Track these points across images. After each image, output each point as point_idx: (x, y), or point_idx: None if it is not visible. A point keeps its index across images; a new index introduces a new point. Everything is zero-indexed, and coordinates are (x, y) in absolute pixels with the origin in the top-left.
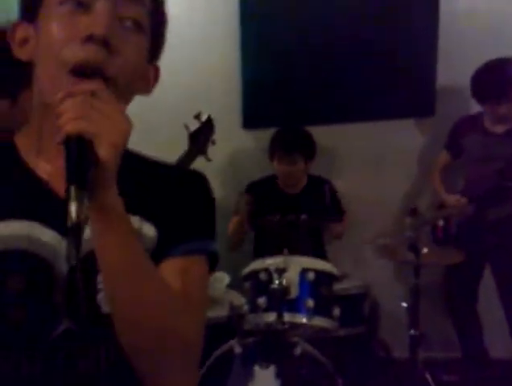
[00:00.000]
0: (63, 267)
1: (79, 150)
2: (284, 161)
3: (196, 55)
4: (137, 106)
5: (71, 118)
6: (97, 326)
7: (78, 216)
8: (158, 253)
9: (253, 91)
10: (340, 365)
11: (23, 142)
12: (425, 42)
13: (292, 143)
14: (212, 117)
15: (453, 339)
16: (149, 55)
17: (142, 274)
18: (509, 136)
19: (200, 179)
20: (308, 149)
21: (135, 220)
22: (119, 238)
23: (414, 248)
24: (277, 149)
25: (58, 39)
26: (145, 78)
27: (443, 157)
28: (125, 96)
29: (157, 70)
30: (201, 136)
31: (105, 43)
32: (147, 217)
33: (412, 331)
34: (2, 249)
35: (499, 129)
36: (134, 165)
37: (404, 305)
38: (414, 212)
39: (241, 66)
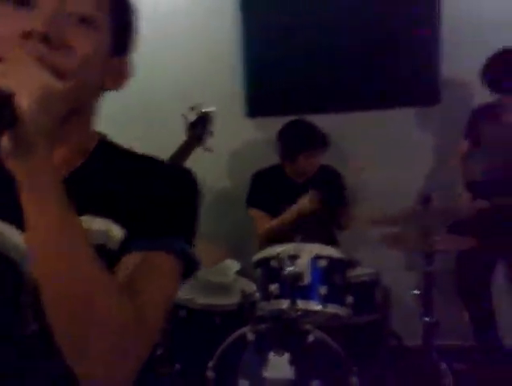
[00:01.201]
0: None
1: None
2: (316, 155)
3: (196, 46)
4: (137, 97)
5: None
6: None
7: None
8: (120, 253)
9: (257, 79)
10: (353, 353)
11: None
12: (428, 28)
13: (321, 138)
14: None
15: (465, 328)
16: (112, 49)
17: (69, 253)
18: None
19: (183, 175)
20: (327, 140)
21: (105, 223)
22: (45, 206)
23: (427, 236)
24: (308, 145)
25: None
26: (110, 73)
27: (462, 146)
28: (86, 92)
29: (126, 64)
30: (199, 127)
31: (44, 39)
32: (117, 218)
33: (426, 319)
34: None
35: None
36: (115, 161)
37: (416, 292)
38: (427, 200)
39: (243, 55)
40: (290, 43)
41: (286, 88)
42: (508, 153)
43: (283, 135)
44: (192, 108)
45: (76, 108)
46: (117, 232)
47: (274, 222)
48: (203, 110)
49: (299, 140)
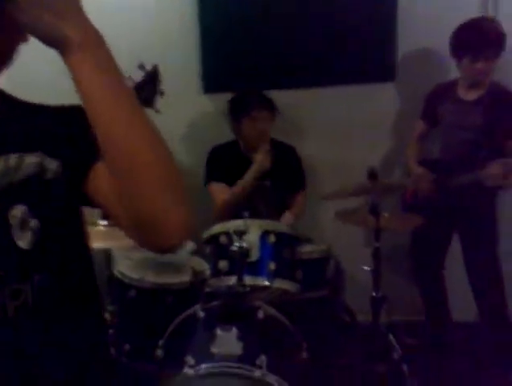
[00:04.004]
0: None
1: None
2: (259, 118)
3: (153, 22)
4: None
5: None
6: (14, 261)
7: None
8: (77, 172)
9: (213, 55)
10: (305, 329)
11: None
12: (386, 9)
13: (263, 100)
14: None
15: (416, 303)
16: None
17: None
18: (479, 104)
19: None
20: (274, 106)
21: (36, 156)
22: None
23: (375, 212)
24: (250, 107)
25: None
26: None
27: (419, 126)
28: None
29: None
30: (147, 87)
31: None
32: (49, 153)
33: (374, 293)
34: None
35: (471, 96)
36: (19, 105)
37: (367, 268)
38: (372, 174)
39: (199, 31)
40: (246, 18)
41: (242, 63)
42: (463, 130)
43: (230, 102)
44: (139, 67)
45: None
46: (51, 163)
47: (235, 188)
48: (150, 68)
49: (240, 102)
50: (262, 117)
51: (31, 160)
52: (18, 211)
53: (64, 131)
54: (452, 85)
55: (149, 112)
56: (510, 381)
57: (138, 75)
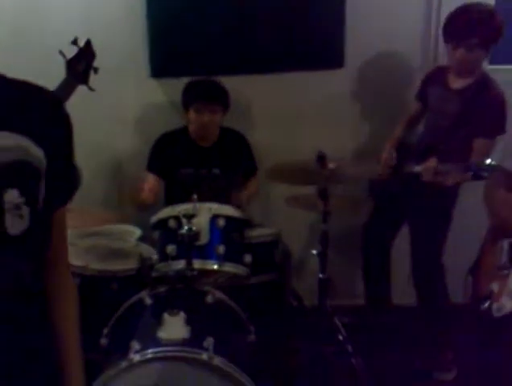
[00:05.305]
0: None
1: None
2: (204, 110)
3: (101, 5)
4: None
5: None
6: (4, 247)
7: None
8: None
9: (162, 39)
10: (253, 313)
11: None
12: None
13: (212, 92)
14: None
15: (356, 288)
16: None
17: None
18: (462, 93)
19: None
20: (226, 98)
21: (20, 138)
22: None
23: (323, 196)
24: (195, 98)
25: None
26: None
27: (414, 107)
28: None
29: None
30: (80, 63)
31: None
32: (36, 141)
33: (321, 275)
34: None
35: (457, 84)
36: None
37: (314, 252)
38: (321, 158)
39: (147, 15)
40: (195, 2)
41: (191, 48)
42: (441, 117)
43: (183, 88)
44: (72, 43)
45: None
46: (36, 150)
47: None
48: (83, 44)
49: (189, 91)
50: (207, 110)
51: (14, 142)
52: (10, 196)
53: (51, 124)
54: (444, 70)
55: (83, 89)
56: (447, 360)
57: (72, 51)
